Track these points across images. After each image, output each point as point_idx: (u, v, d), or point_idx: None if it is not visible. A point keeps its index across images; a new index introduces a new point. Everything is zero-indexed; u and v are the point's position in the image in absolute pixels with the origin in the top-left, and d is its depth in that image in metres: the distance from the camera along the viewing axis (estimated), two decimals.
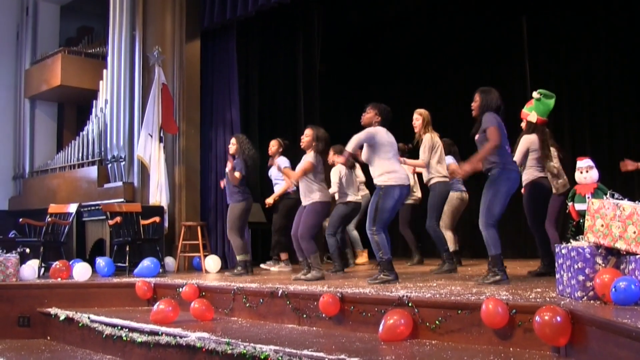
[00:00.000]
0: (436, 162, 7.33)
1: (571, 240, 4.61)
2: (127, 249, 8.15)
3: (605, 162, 7.86)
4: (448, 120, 10.03)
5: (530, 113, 6.60)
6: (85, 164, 10.29)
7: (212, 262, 8.56)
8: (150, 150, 9.11)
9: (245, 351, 4.49)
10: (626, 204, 4.18)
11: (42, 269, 8.12)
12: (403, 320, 4.59)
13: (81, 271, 7.57)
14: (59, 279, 7.56)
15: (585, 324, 3.66)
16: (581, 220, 5.20)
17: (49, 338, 6.81)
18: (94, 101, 10.43)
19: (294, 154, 8.20)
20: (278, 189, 8.43)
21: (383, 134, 6.26)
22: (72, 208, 8.85)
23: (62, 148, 11.22)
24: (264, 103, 10.85)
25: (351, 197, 7.60)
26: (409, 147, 8.14)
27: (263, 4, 8.80)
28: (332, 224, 7.59)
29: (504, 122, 5.76)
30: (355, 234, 8.93)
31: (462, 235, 8.87)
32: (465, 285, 5.65)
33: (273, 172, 8.49)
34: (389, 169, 6.18)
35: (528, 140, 6.62)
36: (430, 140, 7.33)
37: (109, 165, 9.71)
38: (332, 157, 7.67)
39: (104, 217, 8.76)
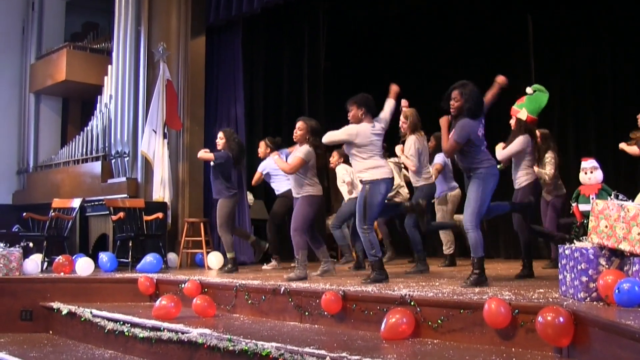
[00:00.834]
0: (422, 165, 7.31)
1: (575, 241, 4.59)
2: (130, 244, 8.16)
3: (610, 163, 7.86)
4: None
5: (520, 110, 6.44)
6: (89, 159, 10.30)
7: (214, 259, 8.55)
8: (154, 146, 9.13)
9: (246, 348, 4.49)
10: (630, 205, 4.16)
11: (45, 264, 8.13)
12: (405, 319, 4.58)
13: (84, 266, 7.58)
14: (62, 274, 7.58)
15: (588, 325, 3.65)
16: (585, 221, 5.18)
17: (51, 332, 6.83)
18: (99, 96, 10.44)
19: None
20: (278, 181, 8.39)
21: (366, 134, 6.16)
22: (76, 203, 8.86)
23: (66, 143, 11.22)
24: (268, 100, 10.84)
25: None
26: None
27: (269, 1, 8.81)
28: (340, 217, 7.53)
29: (502, 121, 5.74)
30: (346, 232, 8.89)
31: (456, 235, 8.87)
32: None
33: (269, 164, 8.38)
34: (373, 165, 6.13)
35: (524, 142, 6.42)
36: (414, 144, 7.20)
37: (113, 161, 9.73)
38: (336, 160, 7.73)
39: (107, 212, 8.76)
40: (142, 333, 5.49)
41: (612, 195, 4.60)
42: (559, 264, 4.63)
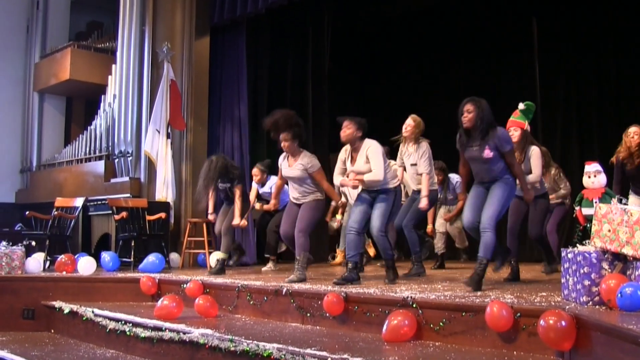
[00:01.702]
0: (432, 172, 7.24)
1: (577, 245, 4.59)
2: (133, 244, 8.16)
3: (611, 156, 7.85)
4: (455, 119, 9.96)
5: (525, 122, 6.38)
6: (92, 158, 10.30)
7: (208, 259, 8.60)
8: (158, 146, 9.13)
9: (248, 348, 4.49)
10: (634, 209, 4.16)
11: (48, 262, 8.13)
12: (407, 321, 4.58)
13: (86, 265, 7.59)
14: (64, 273, 7.59)
15: (590, 329, 3.64)
16: (588, 225, 5.18)
17: (52, 331, 6.84)
18: (103, 96, 10.44)
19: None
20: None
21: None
22: (79, 202, 8.87)
23: (69, 142, 11.23)
24: (272, 100, 10.82)
25: None
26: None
27: (273, 1, 8.82)
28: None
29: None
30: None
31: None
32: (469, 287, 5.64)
33: (266, 190, 8.51)
34: (394, 174, 6.37)
35: (542, 152, 6.39)
36: (428, 149, 7.06)
37: (116, 160, 9.73)
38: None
39: (110, 211, 8.76)
40: (143, 333, 5.50)
41: (616, 199, 4.60)
42: (562, 268, 4.63)
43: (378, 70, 12.58)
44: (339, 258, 9.11)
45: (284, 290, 5.68)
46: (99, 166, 10.01)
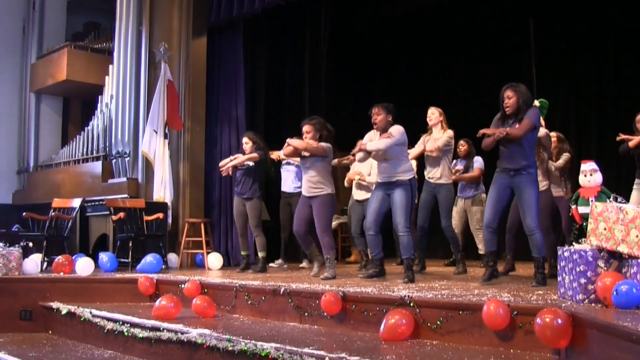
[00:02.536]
0: (448, 164, 7.37)
1: (574, 243, 4.61)
2: (130, 244, 8.17)
3: (611, 165, 7.87)
4: (454, 119, 9.99)
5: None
6: (89, 159, 10.30)
7: (214, 260, 8.59)
8: (155, 147, 9.12)
9: (246, 348, 4.50)
10: (629, 207, 4.18)
11: (45, 263, 8.13)
12: (404, 320, 4.59)
13: (84, 266, 7.59)
14: (62, 274, 7.58)
15: (586, 326, 3.66)
16: (584, 223, 5.20)
17: (50, 332, 6.83)
18: (100, 96, 10.44)
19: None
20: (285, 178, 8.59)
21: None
22: (76, 203, 8.86)
23: (66, 143, 11.22)
24: (270, 101, 10.83)
25: None
26: None
27: (270, 2, 8.80)
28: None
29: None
30: None
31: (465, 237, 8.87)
32: (466, 286, 5.66)
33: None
34: (410, 166, 6.44)
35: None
36: (451, 139, 7.26)
37: (114, 161, 9.73)
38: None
39: (107, 212, 8.77)
40: (141, 333, 5.50)
41: (612, 197, 4.62)
42: (558, 266, 4.64)
43: (375, 70, 12.57)
44: (353, 256, 9.15)
45: (282, 290, 5.69)
46: (97, 167, 10.00)
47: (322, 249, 6.84)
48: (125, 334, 5.66)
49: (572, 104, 10.26)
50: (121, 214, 8.27)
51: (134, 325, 5.71)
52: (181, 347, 5.09)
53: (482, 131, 5.72)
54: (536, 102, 6.49)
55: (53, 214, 8.59)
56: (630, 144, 6.67)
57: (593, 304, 4.08)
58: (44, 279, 7.31)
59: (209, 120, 9.88)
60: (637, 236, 4.00)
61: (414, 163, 7.41)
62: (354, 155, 6.71)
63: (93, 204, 9.61)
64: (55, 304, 6.79)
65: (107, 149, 9.99)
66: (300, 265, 8.64)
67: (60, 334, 6.67)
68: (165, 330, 5.33)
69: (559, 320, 3.73)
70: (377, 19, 11.89)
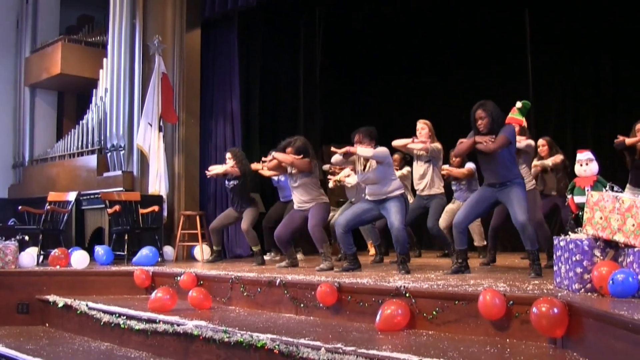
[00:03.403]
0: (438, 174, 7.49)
1: (569, 233, 4.61)
2: (126, 237, 8.15)
3: (606, 155, 7.87)
4: (450, 120, 9.97)
5: (522, 119, 6.75)
6: (84, 152, 10.27)
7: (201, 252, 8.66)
8: (150, 140, 9.11)
9: (242, 339, 4.50)
10: (625, 196, 4.18)
11: (41, 257, 8.12)
12: (400, 310, 4.60)
13: (79, 259, 7.59)
14: (58, 267, 7.57)
15: (582, 315, 3.66)
16: (580, 213, 5.20)
17: (47, 325, 6.83)
18: (94, 90, 10.40)
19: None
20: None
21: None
22: (72, 196, 8.84)
23: (61, 137, 11.19)
24: (264, 94, 10.80)
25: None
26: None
27: None
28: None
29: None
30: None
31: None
32: (462, 276, 5.67)
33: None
34: (399, 183, 6.58)
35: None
36: (441, 152, 7.40)
37: (109, 154, 9.70)
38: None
39: (103, 205, 8.75)
40: (137, 325, 5.50)
41: (607, 187, 4.61)
42: (554, 255, 4.65)
43: (370, 65, 12.54)
44: (372, 250, 9.16)
45: (278, 281, 5.69)
46: (92, 160, 9.98)
47: (316, 244, 6.97)
48: (122, 326, 5.66)
49: (568, 94, 10.26)
50: (117, 207, 8.26)
51: (130, 317, 5.71)
52: (177, 338, 5.10)
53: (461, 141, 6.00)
54: (518, 104, 6.69)
55: (49, 207, 8.57)
56: (628, 141, 6.68)
57: (589, 293, 4.09)
58: (41, 273, 7.29)
59: (203, 113, 9.86)
60: (633, 225, 4.00)
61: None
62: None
63: (88, 197, 9.60)
64: (51, 297, 6.78)
65: (102, 142, 9.97)
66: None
67: (57, 326, 6.67)
68: (161, 322, 5.33)
69: (555, 310, 3.73)
70: (371, 12, 11.83)
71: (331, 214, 9.09)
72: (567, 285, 4.32)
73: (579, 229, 4.55)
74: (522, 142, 6.69)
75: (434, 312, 4.54)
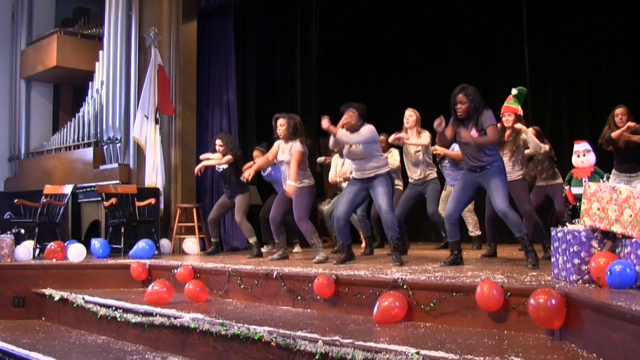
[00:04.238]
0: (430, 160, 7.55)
1: (567, 224, 4.59)
2: (123, 230, 8.13)
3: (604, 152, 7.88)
4: (446, 104, 9.96)
5: (518, 108, 6.64)
6: (80, 145, 10.23)
7: (192, 244, 8.67)
8: (146, 132, 9.08)
9: (239, 332, 4.49)
10: (623, 187, 4.16)
11: (37, 250, 8.11)
12: (397, 302, 4.58)
13: (76, 252, 7.57)
14: (54, 260, 7.55)
15: (580, 307, 3.65)
16: (577, 204, 5.19)
17: (43, 318, 6.81)
18: (90, 82, 10.35)
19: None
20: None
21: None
22: (68, 189, 8.81)
23: (57, 129, 11.15)
24: (261, 85, 10.79)
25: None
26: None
27: None
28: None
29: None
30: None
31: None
32: (459, 268, 5.66)
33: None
34: (385, 161, 6.57)
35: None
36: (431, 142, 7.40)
37: (105, 147, 9.68)
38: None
39: (99, 198, 8.72)
40: (134, 318, 5.49)
41: (605, 177, 4.60)
42: (552, 247, 4.64)
43: (367, 56, 12.52)
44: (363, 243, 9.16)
45: (275, 274, 5.68)
46: (88, 153, 9.94)
47: (305, 236, 7.02)
48: (118, 319, 5.64)
49: (565, 86, 10.26)
50: (113, 200, 8.24)
51: (126, 310, 5.69)
52: (174, 331, 5.08)
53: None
54: (514, 91, 6.60)
55: (45, 200, 8.55)
56: (614, 135, 6.66)
57: (587, 284, 4.08)
58: (37, 266, 7.27)
59: (200, 105, 9.84)
60: (630, 216, 3.99)
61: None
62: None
63: (85, 190, 9.57)
64: (47, 291, 6.76)
65: (98, 135, 9.93)
66: (294, 250, 8.63)
67: (53, 320, 6.66)
68: (158, 315, 5.31)
69: (553, 301, 3.72)
70: (368, 4, 11.81)
71: (326, 207, 9.11)
72: (564, 277, 4.31)
73: (577, 220, 4.53)
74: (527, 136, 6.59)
75: (432, 304, 4.53)
